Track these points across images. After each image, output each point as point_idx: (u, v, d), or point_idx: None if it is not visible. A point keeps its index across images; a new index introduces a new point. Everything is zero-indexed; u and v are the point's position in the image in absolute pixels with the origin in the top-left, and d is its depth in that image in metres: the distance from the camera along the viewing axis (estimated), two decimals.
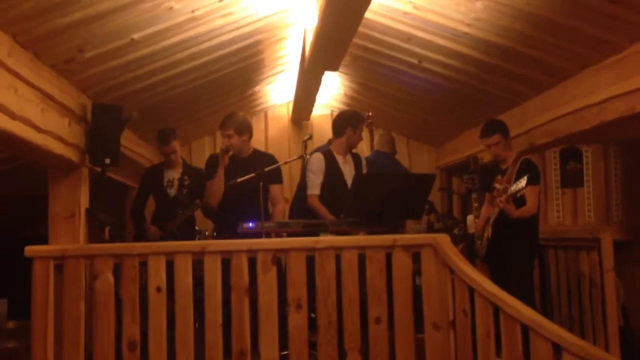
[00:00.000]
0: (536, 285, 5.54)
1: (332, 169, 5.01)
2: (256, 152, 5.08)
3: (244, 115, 5.06)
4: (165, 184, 5.44)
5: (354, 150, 5.24)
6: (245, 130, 4.95)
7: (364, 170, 5.19)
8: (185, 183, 5.36)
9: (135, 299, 3.88)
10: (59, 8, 3.43)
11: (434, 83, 5.63)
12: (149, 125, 5.93)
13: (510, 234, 4.63)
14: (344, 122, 5.12)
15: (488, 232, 4.75)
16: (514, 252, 4.65)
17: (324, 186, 4.95)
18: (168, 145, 5.41)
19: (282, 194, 5.12)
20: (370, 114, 6.04)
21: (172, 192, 5.41)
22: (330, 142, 5.34)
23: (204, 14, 4.23)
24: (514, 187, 4.42)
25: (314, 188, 4.95)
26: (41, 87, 3.82)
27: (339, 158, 5.09)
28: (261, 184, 4.46)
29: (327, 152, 5.09)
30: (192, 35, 4.46)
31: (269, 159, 5.05)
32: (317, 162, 4.99)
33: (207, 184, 4.91)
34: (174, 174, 5.46)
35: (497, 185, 4.81)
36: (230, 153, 4.82)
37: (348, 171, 5.09)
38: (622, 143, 5.80)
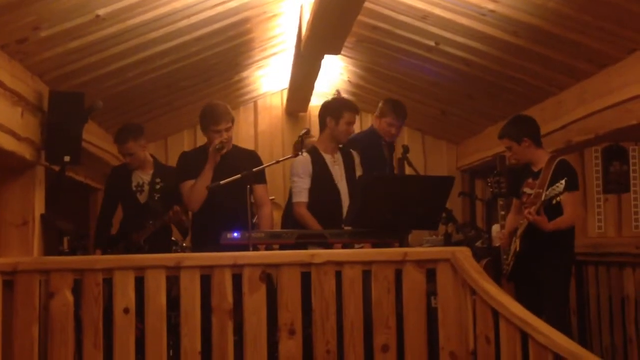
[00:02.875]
0: (572, 308, 5.54)
1: (320, 172, 5.02)
2: (237, 149, 5.09)
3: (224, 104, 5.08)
4: (134, 188, 5.41)
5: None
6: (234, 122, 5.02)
7: (358, 169, 5.21)
8: (157, 187, 5.36)
9: (98, 322, 3.87)
10: None
11: (454, 69, 5.64)
12: (117, 117, 5.94)
13: (541, 247, 4.64)
14: (322, 112, 5.17)
15: (516, 245, 4.76)
16: (545, 268, 4.66)
17: (312, 192, 4.97)
18: (123, 145, 5.32)
19: (268, 195, 5.14)
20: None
21: (142, 197, 5.39)
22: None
23: None
24: (549, 193, 4.43)
25: (301, 195, 4.97)
26: None
27: (327, 157, 5.11)
28: (248, 187, 4.46)
29: (313, 151, 5.10)
30: (168, 11, 4.46)
31: (253, 156, 5.08)
32: (303, 164, 5.00)
33: (181, 185, 4.91)
34: (144, 177, 5.44)
35: (527, 190, 4.82)
36: (224, 151, 4.84)
37: (338, 172, 5.11)
38: None
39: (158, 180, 5.39)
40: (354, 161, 5.23)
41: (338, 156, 5.16)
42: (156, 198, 5.33)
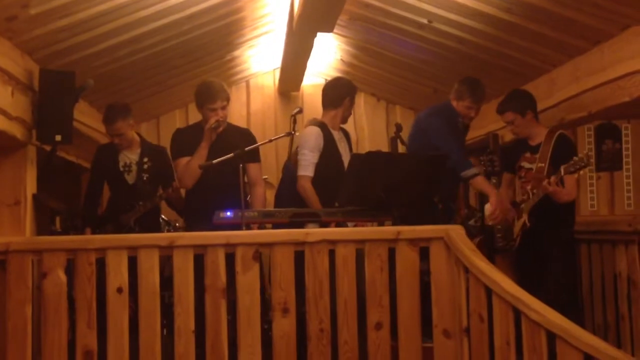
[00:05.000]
0: None
1: (329, 147, 5.03)
2: (230, 127, 5.07)
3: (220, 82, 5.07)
4: (121, 168, 5.33)
5: None
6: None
7: (352, 148, 5.25)
8: (145, 167, 5.30)
9: (91, 301, 3.88)
10: None
11: (447, 47, 5.62)
12: (108, 96, 5.90)
13: (552, 223, 4.72)
14: (343, 91, 5.18)
15: (523, 220, 4.78)
16: (555, 245, 4.75)
17: (318, 168, 4.95)
18: (112, 125, 5.21)
19: (261, 174, 5.13)
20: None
21: (130, 178, 5.31)
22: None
23: None
24: (572, 164, 4.42)
25: (308, 169, 4.95)
26: None
27: (335, 134, 5.13)
28: (241, 166, 4.46)
29: (323, 126, 5.10)
30: None
31: (247, 134, 5.06)
32: (316, 137, 4.99)
33: (176, 162, 4.89)
34: (131, 156, 5.35)
35: (526, 165, 4.86)
36: (220, 129, 4.82)
37: (344, 150, 5.14)
38: None
39: (146, 159, 5.31)
40: (350, 139, 5.29)
41: (341, 134, 5.22)
42: (145, 178, 5.28)
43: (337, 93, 5.19)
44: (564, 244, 4.80)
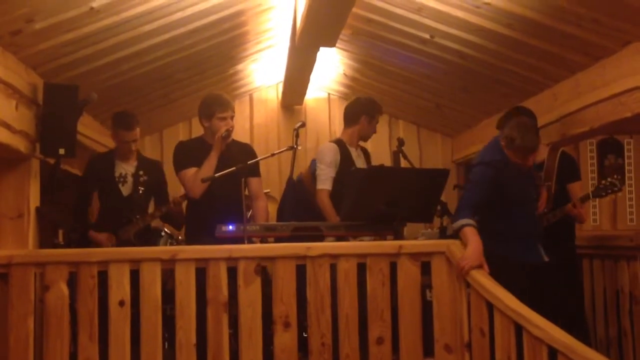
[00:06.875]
0: None
1: (345, 164, 5.10)
2: (232, 141, 5.08)
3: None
4: (116, 178, 5.25)
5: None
6: None
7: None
8: (141, 180, 5.25)
9: (93, 314, 3.89)
10: None
11: (449, 62, 5.63)
12: (111, 110, 5.90)
13: (558, 239, 4.75)
14: (359, 108, 5.31)
15: None
16: (563, 260, 4.77)
17: (335, 183, 5.04)
18: (132, 132, 5.22)
19: (262, 189, 5.15)
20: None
21: (125, 189, 5.23)
22: None
23: None
24: (604, 189, 4.54)
25: (326, 182, 5.05)
26: None
27: (352, 151, 5.22)
28: (243, 179, 4.47)
29: (339, 143, 5.19)
30: (162, 3, 4.44)
31: (248, 149, 5.08)
32: (333, 153, 5.11)
33: (183, 173, 4.86)
34: (128, 168, 5.29)
35: None
36: (230, 139, 4.86)
37: (361, 166, 5.19)
38: None
39: (142, 172, 5.27)
40: (370, 158, 5.42)
41: (359, 151, 5.33)
42: (140, 192, 5.23)
43: (354, 111, 5.34)
44: (571, 259, 4.91)
